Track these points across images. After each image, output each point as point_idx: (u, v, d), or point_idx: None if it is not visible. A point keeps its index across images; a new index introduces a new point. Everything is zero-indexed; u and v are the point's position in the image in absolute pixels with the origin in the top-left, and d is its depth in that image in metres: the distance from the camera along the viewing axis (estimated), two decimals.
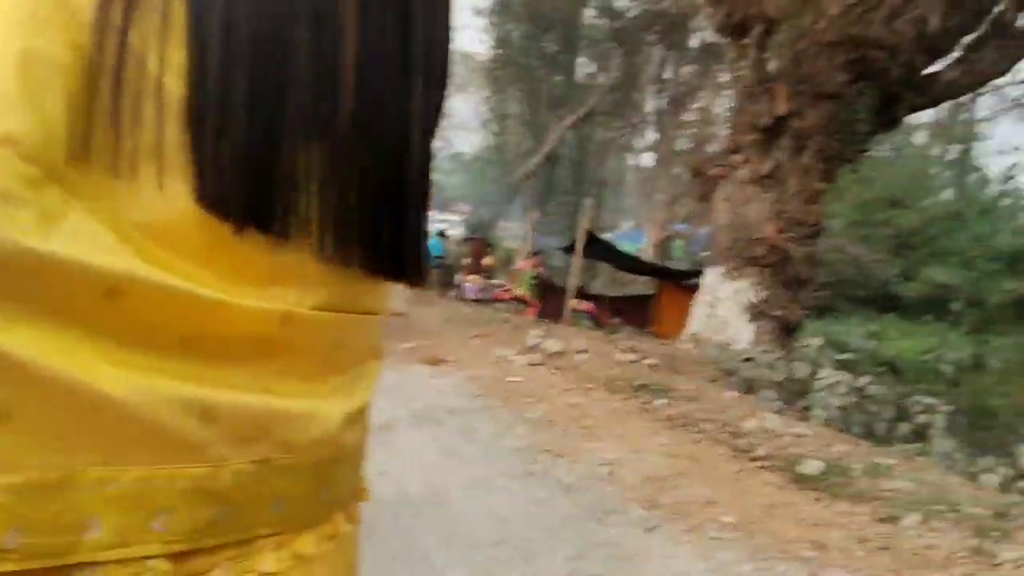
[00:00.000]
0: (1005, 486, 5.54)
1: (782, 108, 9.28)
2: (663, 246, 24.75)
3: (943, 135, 27.33)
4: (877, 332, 13.92)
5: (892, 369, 10.76)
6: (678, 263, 21.47)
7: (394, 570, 3.32)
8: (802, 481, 4.94)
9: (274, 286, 0.61)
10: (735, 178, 9.75)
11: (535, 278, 15.10)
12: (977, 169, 29.19)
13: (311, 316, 0.64)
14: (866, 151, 10.00)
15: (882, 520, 4.36)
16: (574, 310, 13.38)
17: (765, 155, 9.54)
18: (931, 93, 9.69)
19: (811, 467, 5.06)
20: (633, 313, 15.58)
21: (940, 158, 29.33)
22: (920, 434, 8.46)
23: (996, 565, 3.76)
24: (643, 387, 7.10)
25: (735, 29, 9.58)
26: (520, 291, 14.89)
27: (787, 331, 9.49)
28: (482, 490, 4.49)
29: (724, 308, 9.49)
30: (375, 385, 0.81)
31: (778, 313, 9.33)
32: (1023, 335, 14.82)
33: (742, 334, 9.35)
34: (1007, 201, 26.41)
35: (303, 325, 0.64)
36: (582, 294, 14.27)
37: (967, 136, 27.31)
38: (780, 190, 9.41)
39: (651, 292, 16.86)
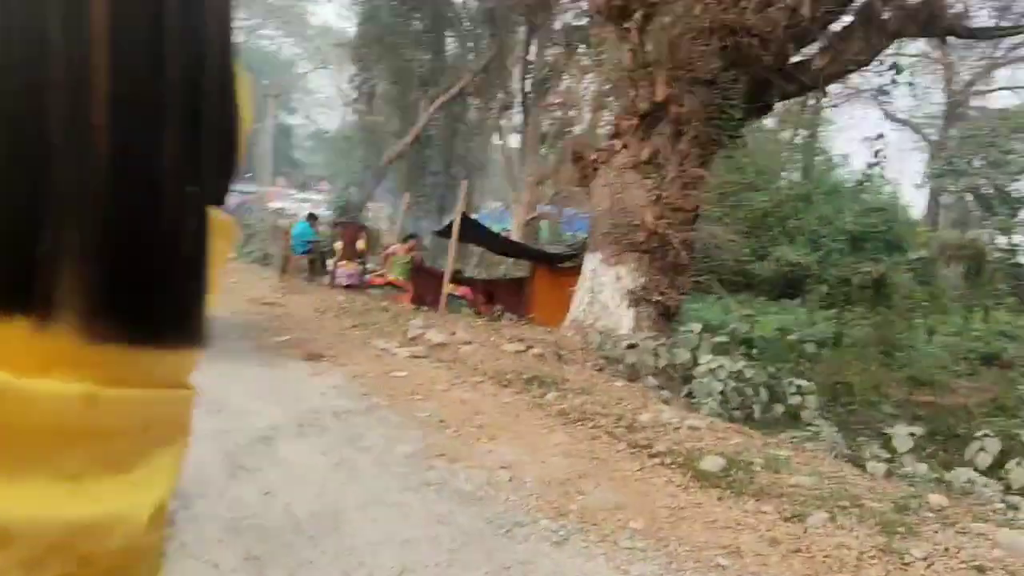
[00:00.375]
0: (889, 473, 5.68)
1: (661, 94, 9.27)
2: (530, 227, 24.77)
3: (792, 120, 28.56)
4: (751, 315, 14.31)
5: (751, 349, 11.05)
6: (550, 245, 21.52)
7: None
8: (704, 479, 4.86)
9: (58, 368, 0.56)
10: (614, 164, 9.69)
11: (409, 262, 14.68)
12: (823, 153, 30.85)
13: (117, 395, 0.59)
14: (740, 137, 10.16)
15: (789, 519, 4.32)
16: (450, 295, 13.08)
17: (644, 141, 9.52)
18: (800, 80, 9.93)
19: (712, 464, 4.99)
20: (507, 297, 15.43)
21: (789, 142, 30.72)
22: (794, 415, 8.70)
23: (907, 564, 3.77)
24: (533, 379, 6.91)
25: (616, 13, 9.47)
26: (393, 276, 14.43)
27: (666, 316, 9.54)
28: (380, 508, 4.14)
29: (605, 294, 9.44)
30: (183, 465, 0.72)
31: (657, 299, 9.36)
32: (874, 312, 15.64)
33: (623, 320, 9.32)
34: (849, 184, 28.03)
35: (109, 406, 0.59)
36: (456, 279, 13.97)
37: (814, 121, 28.70)
38: (659, 176, 9.42)
39: (524, 276, 16.75)
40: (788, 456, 5.31)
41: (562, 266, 15.01)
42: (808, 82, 10.10)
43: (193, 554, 3.28)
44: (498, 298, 15.15)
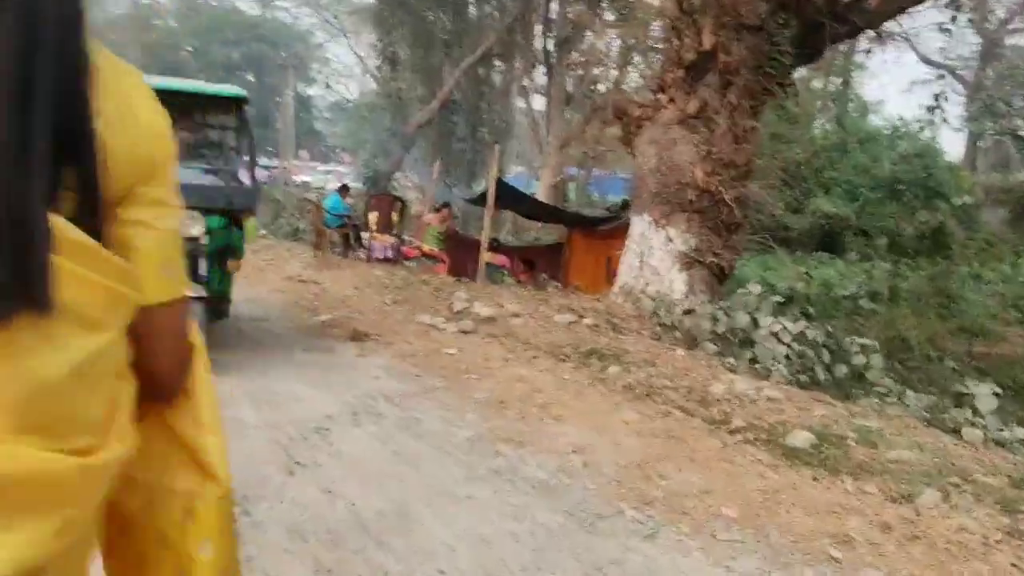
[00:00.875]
0: (986, 439, 5.26)
1: (708, 42, 8.76)
2: (557, 190, 24.24)
3: (824, 66, 27.64)
4: (806, 272, 13.76)
5: (809, 307, 10.59)
6: (585, 208, 21.04)
7: None
8: (794, 457, 4.49)
9: None
10: (660, 119, 9.21)
11: (443, 232, 14.33)
12: (857, 99, 29.86)
13: None
14: (791, 85, 9.61)
15: (897, 500, 3.95)
16: (488, 264, 12.71)
17: (691, 93, 9.02)
18: (852, 21, 9.35)
19: (800, 439, 4.62)
20: (545, 264, 15.03)
21: (822, 89, 29.76)
22: (858, 375, 8.29)
23: None
24: (591, 353, 6.55)
25: None
26: (428, 247, 14.09)
27: (720, 278, 9.12)
28: (449, 502, 3.82)
29: (655, 258, 9.02)
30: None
31: (711, 260, 8.93)
32: (932, 263, 15.06)
33: (675, 284, 8.91)
34: (887, 131, 27.14)
35: None
36: (493, 247, 13.59)
37: (847, 67, 27.69)
38: (708, 130, 8.94)
39: (561, 241, 16.32)
40: (880, 428, 4.92)
41: (600, 229, 14.58)
42: (861, 23, 9.52)
43: (262, 568, 2.98)
44: (536, 265, 14.76)
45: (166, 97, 0.89)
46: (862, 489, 4.10)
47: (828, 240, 22.79)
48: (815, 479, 4.26)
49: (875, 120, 29.21)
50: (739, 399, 5.40)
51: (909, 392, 6.67)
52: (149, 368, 0.88)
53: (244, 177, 6.67)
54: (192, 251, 5.41)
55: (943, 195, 23.75)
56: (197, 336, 0.99)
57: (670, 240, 8.98)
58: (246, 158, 6.70)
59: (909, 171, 24.65)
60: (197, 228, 5.46)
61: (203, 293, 5.44)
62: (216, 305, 6.03)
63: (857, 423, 5.01)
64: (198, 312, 5.15)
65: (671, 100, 9.12)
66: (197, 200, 5.44)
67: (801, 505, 3.94)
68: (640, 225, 9.26)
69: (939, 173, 25.42)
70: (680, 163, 8.92)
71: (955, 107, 32.40)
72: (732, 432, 4.89)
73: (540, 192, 22.66)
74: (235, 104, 6.66)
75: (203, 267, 5.68)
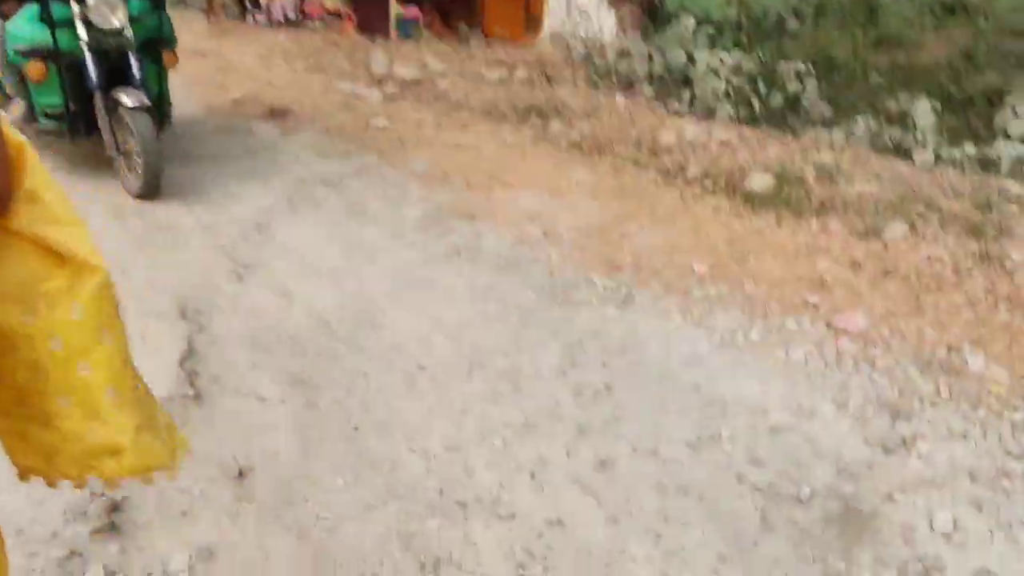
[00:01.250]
0: (938, 159, 5.23)
1: None
2: None
3: None
4: None
5: (739, 34, 10.20)
6: None
7: (372, 445, 2.54)
8: (755, 202, 4.39)
9: None
10: None
11: None
12: None
13: None
14: None
15: (864, 236, 3.91)
16: (398, 18, 11.79)
17: None
18: None
19: (759, 183, 4.50)
20: (458, 12, 14.05)
21: None
22: (792, 103, 8.16)
23: (1010, 272, 3.41)
24: (530, 110, 6.20)
25: None
26: (331, 2, 12.94)
27: (652, 14, 8.61)
28: (412, 290, 3.64)
29: None
30: None
31: None
32: None
33: (605, 24, 8.41)
34: None
35: None
36: None
37: None
38: None
39: None
40: (835, 162, 4.82)
41: None
42: None
43: (233, 388, 2.80)
44: (450, 13, 13.78)
45: None
46: (827, 228, 4.05)
47: None
48: (779, 223, 4.18)
49: None
50: (691, 145, 5.21)
51: (863, 119, 6.52)
52: None
53: None
54: (118, 47, 4.41)
55: None
56: (16, 133, 0.94)
57: None
58: None
59: None
60: (119, 15, 4.37)
61: (145, 101, 4.29)
62: (157, 111, 4.71)
63: (814, 159, 4.90)
64: (145, 126, 4.25)
65: None
66: None
67: (770, 252, 3.89)
68: None
69: None
70: None
71: None
72: (689, 182, 4.74)
73: None
74: None
75: (136, 66, 4.46)
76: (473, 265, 3.92)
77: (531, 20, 12.69)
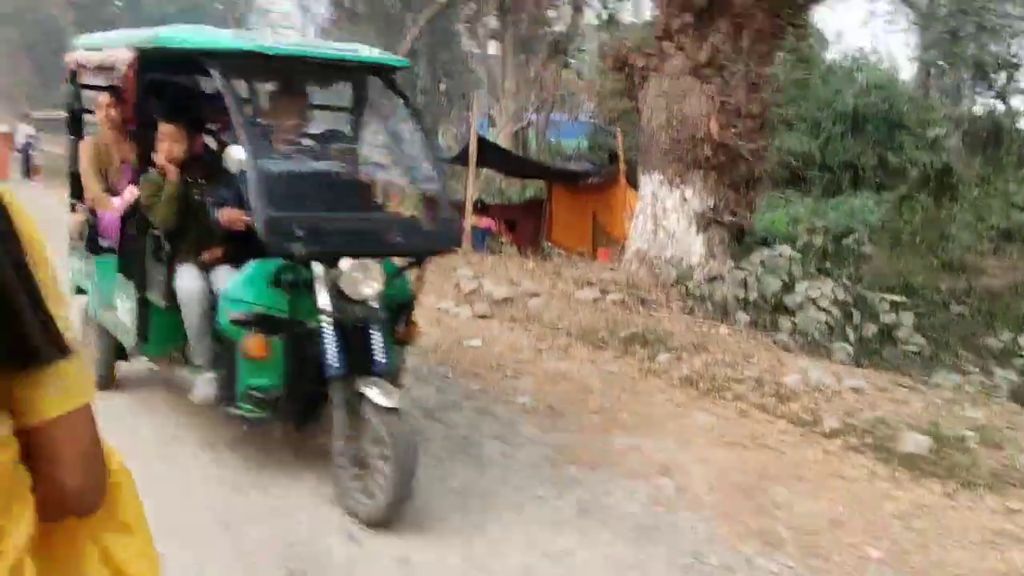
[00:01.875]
0: None
1: None
2: (517, 137, 23.29)
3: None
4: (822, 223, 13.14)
5: (825, 262, 10.08)
6: (543, 155, 20.20)
7: None
8: (913, 467, 3.93)
9: None
10: (667, 69, 8.48)
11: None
12: (815, 34, 29.21)
13: None
14: (802, 27, 8.95)
15: None
16: (474, 228, 11.96)
17: (701, 40, 8.29)
18: None
19: (914, 444, 4.05)
20: (526, 223, 14.29)
21: None
22: (887, 334, 7.86)
23: None
24: (632, 338, 5.91)
25: None
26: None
27: (739, 239, 8.53)
28: (543, 564, 3.18)
29: (670, 220, 8.37)
30: None
31: (729, 219, 8.32)
32: (937, 203, 14.66)
33: (693, 247, 8.29)
34: (846, 63, 26.57)
35: None
36: (478, 208, 12.81)
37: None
38: (721, 79, 8.24)
39: (539, 197, 15.56)
40: (989, 419, 4.38)
41: (583, 183, 13.88)
42: None
43: None
44: (519, 225, 14.02)
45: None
46: (1009, 507, 3.56)
47: (794, 176, 22.34)
48: (948, 495, 3.70)
49: (835, 53, 28.64)
50: (819, 391, 4.82)
51: (1004, 373, 6.14)
52: (56, 486, 0.85)
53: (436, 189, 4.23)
54: (362, 319, 3.48)
55: (904, 126, 23.32)
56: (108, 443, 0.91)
57: (685, 200, 8.32)
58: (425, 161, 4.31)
59: (871, 104, 24.14)
60: (374, 282, 3.47)
61: (399, 400, 3.30)
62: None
63: (958, 413, 4.48)
64: (401, 434, 3.21)
65: (679, 48, 8.38)
66: (375, 244, 3.60)
67: (949, 535, 3.39)
68: (650, 185, 8.58)
69: (900, 104, 24.92)
70: (693, 116, 8.22)
71: (910, 36, 31.98)
72: (828, 436, 4.32)
73: (501, 141, 21.78)
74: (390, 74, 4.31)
75: (379, 345, 3.48)
76: (604, 528, 3.47)
77: (602, 234, 12.84)
